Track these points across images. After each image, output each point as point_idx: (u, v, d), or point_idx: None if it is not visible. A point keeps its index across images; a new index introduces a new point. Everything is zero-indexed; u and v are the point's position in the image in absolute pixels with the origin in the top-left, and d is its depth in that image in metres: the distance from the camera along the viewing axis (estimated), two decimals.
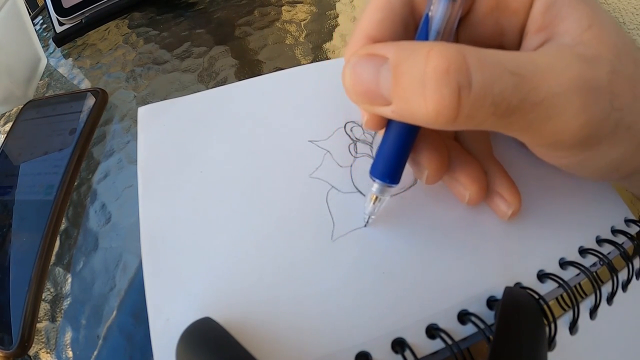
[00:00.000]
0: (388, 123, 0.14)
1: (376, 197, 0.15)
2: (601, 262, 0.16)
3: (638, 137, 0.13)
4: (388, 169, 0.14)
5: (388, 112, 0.12)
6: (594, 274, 0.15)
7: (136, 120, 0.20)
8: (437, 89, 0.11)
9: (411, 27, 0.14)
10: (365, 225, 0.16)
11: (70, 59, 0.32)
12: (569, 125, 0.12)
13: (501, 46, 0.15)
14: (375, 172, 0.15)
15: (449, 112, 0.11)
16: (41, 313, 0.19)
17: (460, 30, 0.15)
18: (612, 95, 0.12)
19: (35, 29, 0.32)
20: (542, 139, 0.12)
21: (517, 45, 0.15)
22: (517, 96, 0.11)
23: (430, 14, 0.13)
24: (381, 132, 0.15)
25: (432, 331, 0.14)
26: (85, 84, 0.30)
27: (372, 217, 0.16)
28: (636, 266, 0.16)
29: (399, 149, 0.14)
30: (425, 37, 0.13)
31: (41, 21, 0.38)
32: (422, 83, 0.11)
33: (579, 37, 0.12)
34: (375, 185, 0.15)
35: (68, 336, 0.19)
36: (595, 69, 0.12)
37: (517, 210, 0.16)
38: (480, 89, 0.10)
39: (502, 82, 0.11)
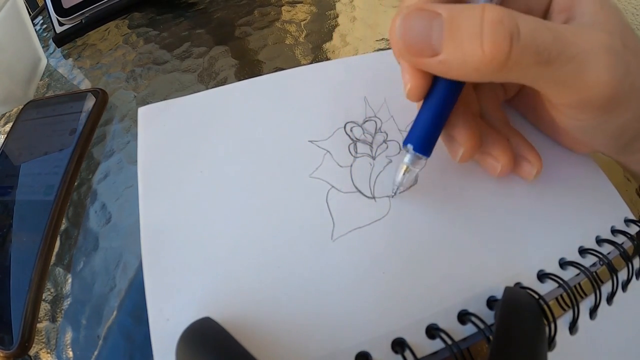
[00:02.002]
0: (427, 94, 0.15)
1: (406, 168, 0.16)
2: (601, 262, 0.16)
3: None
4: (422, 140, 0.15)
5: (435, 62, 0.14)
6: (594, 274, 0.15)
7: (136, 121, 0.20)
8: (493, 35, 0.12)
9: None
10: (393, 196, 0.17)
11: (70, 59, 0.32)
12: (598, 81, 0.13)
13: None
14: (409, 141, 0.15)
15: (501, 56, 0.12)
16: (41, 313, 0.19)
17: None
18: (626, 61, 0.14)
19: (35, 29, 0.32)
20: (573, 93, 0.14)
21: None
22: (556, 48, 0.13)
23: None
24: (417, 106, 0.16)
25: (432, 331, 0.14)
26: (85, 84, 0.30)
27: (401, 188, 0.17)
28: (636, 266, 0.16)
29: (435, 119, 0.15)
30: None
31: (41, 21, 0.38)
32: (480, 31, 0.12)
33: (594, 16, 0.15)
34: (408, 156, 0.16)
35: (68, 336, 0.19)
36: (612, 38, 0.14)
37: (540, 169, 0.17)
38: (526, 38, 0.12)
39: (543, 35, 0.13)
